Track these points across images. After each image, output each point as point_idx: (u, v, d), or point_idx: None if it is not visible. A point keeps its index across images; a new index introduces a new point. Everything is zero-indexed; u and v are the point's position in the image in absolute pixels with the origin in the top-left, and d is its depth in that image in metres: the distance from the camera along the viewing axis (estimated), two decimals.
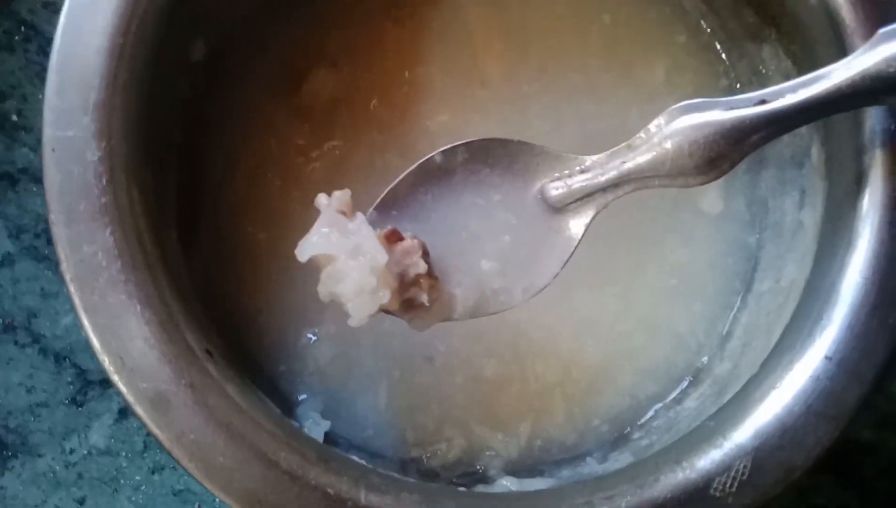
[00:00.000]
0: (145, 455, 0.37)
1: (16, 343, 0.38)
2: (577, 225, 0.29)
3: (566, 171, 0.29)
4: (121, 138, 0.26)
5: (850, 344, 0.26)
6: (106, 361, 0.25)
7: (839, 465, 0.39)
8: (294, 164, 0.35)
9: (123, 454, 0.37)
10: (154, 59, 0.28)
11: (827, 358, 0.26)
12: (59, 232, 0.25)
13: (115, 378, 0.25)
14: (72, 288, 0.25)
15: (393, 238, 0.27)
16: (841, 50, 0.29)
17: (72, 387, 0.38)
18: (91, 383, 0.38)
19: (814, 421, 0.26)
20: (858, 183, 0.28)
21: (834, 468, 0.39)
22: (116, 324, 0.25)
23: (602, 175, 0.28)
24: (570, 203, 0.29)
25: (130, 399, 0.25)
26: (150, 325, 0.25)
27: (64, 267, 0.25)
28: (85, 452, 0.37)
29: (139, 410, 0.25)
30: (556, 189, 0.29)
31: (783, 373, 0.27)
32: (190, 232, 0.33)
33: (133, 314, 0.25)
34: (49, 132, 0.25)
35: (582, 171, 0.29)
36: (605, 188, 0.29)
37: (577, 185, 0.29)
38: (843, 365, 0.26)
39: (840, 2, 0.29)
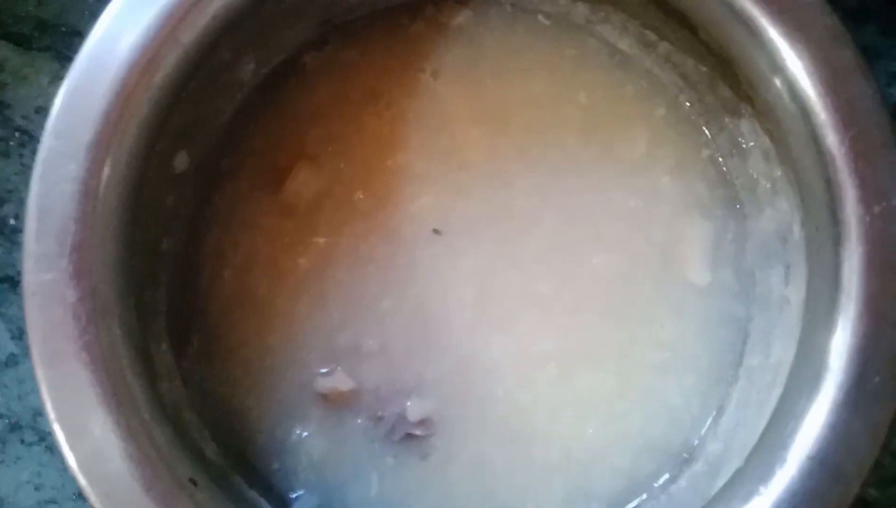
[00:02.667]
0: None
1: (22, 441, 0.39)
2: None
3: None
4: (100, 275, 0.27)
5: (833, 443, 0.26)
6: (93, 498, 0.25)
7: None
8: (280, 261, 0.35)
9: None
10: (134, 188, 0.29)
11: (810, 458, 0.26)
12: (41, 373, 0.26)
13: None
14: (56, 429, 0.26)
15: None
16: (813, 139, 0.29)
17: None
18: None
19: None
20: (836, 272, 0.28)
21: None
22: (101, 461, 0.26)
23: None
24: None
25: None
26: (134, 461, 0.26)
27: (48, 407, 0.26)
28: None
29: None
30: None
31: (767, 472, 0.27)
32: (182, 339, 0.34)
33: (117, 450, 0.26)
34: (29, 277, 0.26)
35: None
36: None
37: None
38: (827, 464, 0.26)
39: (809, 93, 0.29)
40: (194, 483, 0.27)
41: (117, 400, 0.26)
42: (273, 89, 0.36)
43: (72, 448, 0.25)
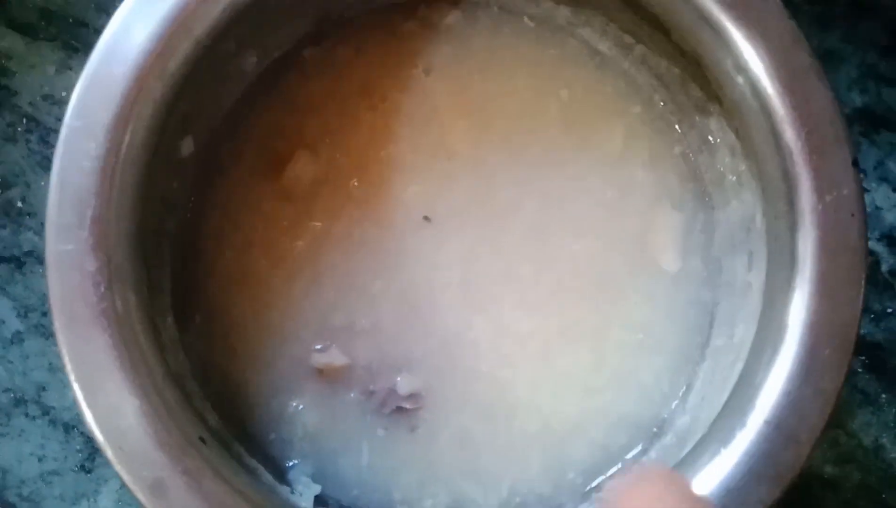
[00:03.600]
0: None
1: (27, 415, 0.40)
2: None
3: None
4: (116, 247, 0.29)
5: (787, 409, 0.29)
6: (108, 451, 0.27)
7: (804, 501, 0.41)
8: (278, 244, 0.37)
9: None
10: (146, 167, 0.31)
11: (766, 422, 0.29)
12: (61, 335, 0.28)
13: (117, 466, 0.27)
14: (75, 387, 0.27)
15: None
16: (773, 134, 0.32)
17: (80, 455, 0.40)
18: (98, 450, 0.40)
19: (755, 482, 0.28)
20: (792, 257, 0.31)
21: (798, 504, 0.41)
22: (116, 417, 0.28)
23: None
24: None
25: (131, 485, 0.27)
26: (147, 417, 0.27)
27: (67, 367, 0.28)
28: None
29: (139, 495, 0.27)
30: None
31: (728, 436, 0.30)
32: (185, 315, 0.36)
33: (131, 407, 0.28)
34: (51, 246, 0.28)
35: None
36: None
37: None
38: (782, 428, 0.29)
39: (769, 92, 0.31)
40: (203, 441, 0.29)
41: (132, 362, 0.28)
42: (274, 81, 0.38)
43: (89, 405, 0.27)
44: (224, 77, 0.36)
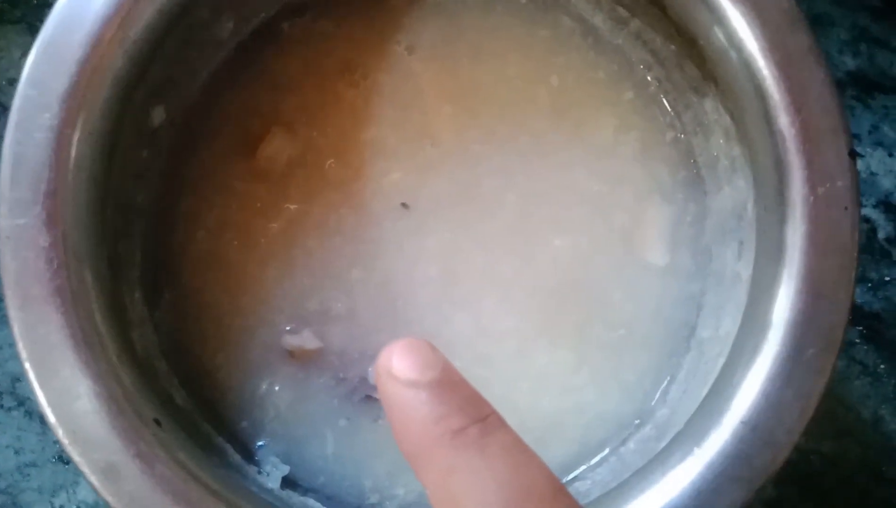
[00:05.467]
0: None
1: (2, 407, 0.40)
2: None
3: None
4: (72, 223, 0.28)
5: (765, 411, 0.28)
6: (60, 433, 0.27)
7: (802, 477, 0.40)
8: (252, 226, 0.36)
9: None
10: (109, 138, 0.30)
11: (742, 422, 0.28)
12: (14, 314, 0.27)
13: (70, 449, 0.27)
14: (27, 367, 0.27)
15: None
16: (766, 119, 0.30)
17: (57, 446, 0.39)
18: None
19: (727, 485, 0.27)
20: (780, 250, 0.29)
21: (797, 480, 0.40)
22: (69, 399, 0.27)
23: None
24: None
25: (84, 469, 0.27)
26: (101, 399, 0.27)
27: (20, 347, 0.27)
28: (74, 507, 0.39)
29: (91, 479, 0.27)
30: None
31: (703, 435, 0.28)
32: (155, 292, 0.35)
33: (84, 389, 0.27)
34: (4, 222, 0.27)
35: None
36: None
37: None
38: (758, 430, 0.28)
39: (764, 74, 0.30)
40: (158, 423, 0.28)
41: (86, 341, 0.27)
42: (250, 55, 0.37)
43: (41, 386, 0.27)
44: (197, 46, 0.35)
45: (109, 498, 0.27)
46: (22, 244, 0.27)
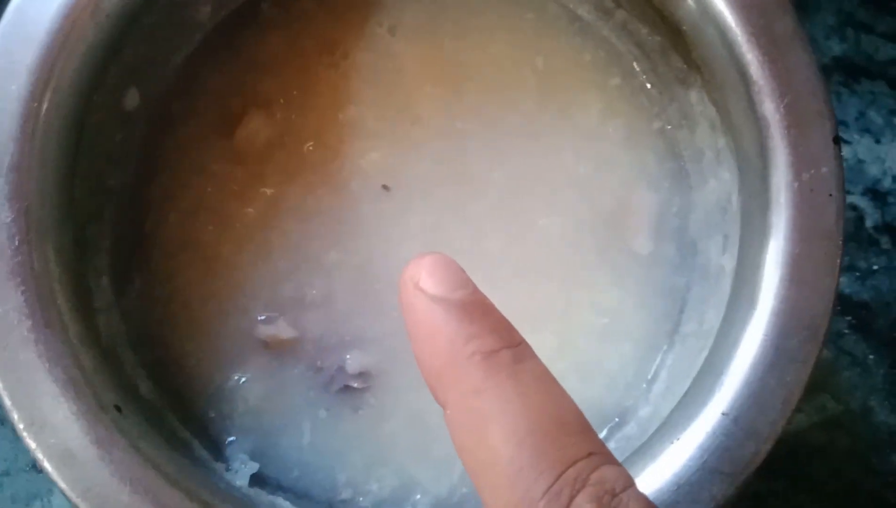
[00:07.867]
0: None
1: None
2: None
3: None
4: (37, 199, 0.27)
5: (747, 401, 0.27)
6: (15, 418, 0.26)
7: (791, 468, 0.39)
8: (227, 208, 0.35)
9: None
10: (78, 115, 0.29)
11: (724, 414, 0.27)
12: None
13: (24, 434, 0.26)
14: None
15: None
16: (751, 105, 0.29)
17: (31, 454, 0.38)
18: None
19: (708, 478, 0.26)
20: (764, 238, 0.29)
21: (786, 472, 0.39)
22: (26, 382, 0.26)
23: None
24: None
25: (39, 454, 0.26)
26: (58, 383, 0.26)
27: None
28: None
29: (47, 465, 0.26)
30: None
31: (683, 427, 0.28)
32: (124, 277, 0.34)
33: (42, 372, 0.26)
34: None
35: None
36: None
37: None
38: (740, 422, 0.27)
39: (748, 59, 0.29)
40: (119, 409, 0.27)
41: (45, 322, 0.26)
42: (229, 34, 0.36)
43: None
44: (175, 26, 0.34)
45: (64, 485, 0.26)
46: None
